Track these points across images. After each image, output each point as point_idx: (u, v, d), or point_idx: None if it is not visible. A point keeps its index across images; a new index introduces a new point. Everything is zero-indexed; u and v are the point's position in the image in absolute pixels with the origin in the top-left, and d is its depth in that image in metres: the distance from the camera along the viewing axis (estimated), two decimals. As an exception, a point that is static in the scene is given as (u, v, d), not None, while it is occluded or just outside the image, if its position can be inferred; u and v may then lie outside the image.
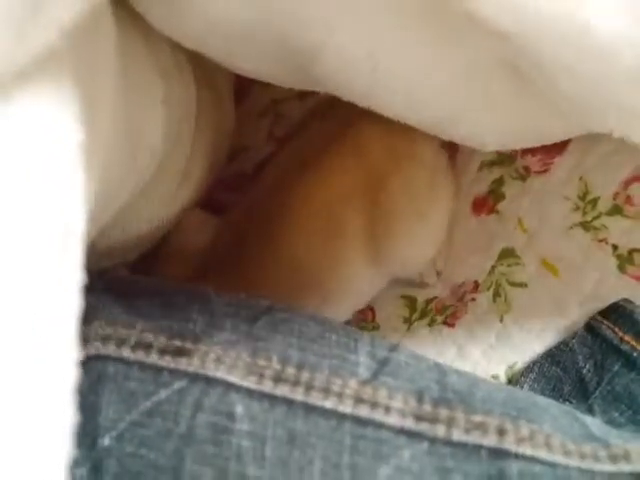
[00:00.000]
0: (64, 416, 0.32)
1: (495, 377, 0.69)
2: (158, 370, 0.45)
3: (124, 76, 0.44)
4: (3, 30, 0.30)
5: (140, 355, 0.45)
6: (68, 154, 0.33)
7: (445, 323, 0.74)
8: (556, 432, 0.45)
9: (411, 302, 0.77)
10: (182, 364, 0.45)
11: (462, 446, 0.43)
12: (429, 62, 0.45)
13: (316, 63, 0.49)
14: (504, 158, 0.78)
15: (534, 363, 0.67)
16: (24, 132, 0.32)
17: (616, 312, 0.65)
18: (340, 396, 0.44)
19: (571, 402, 0.58)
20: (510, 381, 0.68)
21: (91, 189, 0.35)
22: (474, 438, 0.43)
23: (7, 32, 0.30)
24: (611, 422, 0.50)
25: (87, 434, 0.42)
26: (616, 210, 0.70)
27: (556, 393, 0.63)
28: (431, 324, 0.75)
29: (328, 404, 0.44)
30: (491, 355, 0.70)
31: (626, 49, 0.33)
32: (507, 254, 0.74)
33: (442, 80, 0.47)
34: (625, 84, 0.36)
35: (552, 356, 0.66)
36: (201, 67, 0.62)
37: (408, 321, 0.76)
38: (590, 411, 0.51)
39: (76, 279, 0.33)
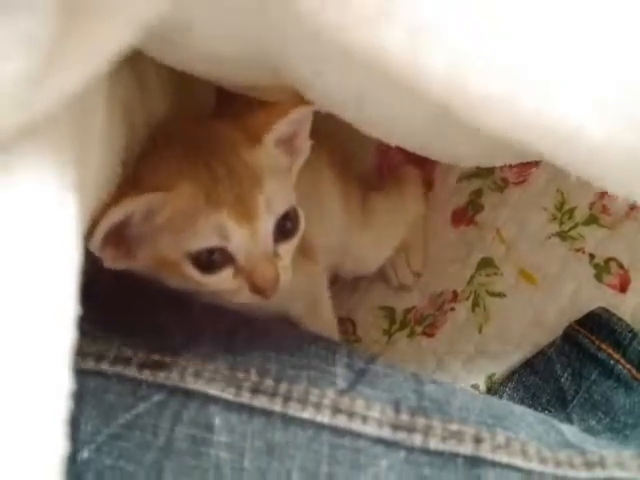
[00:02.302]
0: (55, 447, 0.32)
1: (475, 387, 0.69)
2: (137, 383, 0.45)
3: (110, 110, 0.45)
4: (8, 100, 0.31)
5: (119, 368, 0.45)
6: (64, 216, 0.34)
7: (424, 333, 0.74)
8: (532, 440, 0.45)
9: (390, 313, 0.78)
10: (161, 377, 0.45)
11: (439, 454, 0.43)
12: (413, 101, 0.46)
13: (306, 95, 0.50)
14: (482, 170, 0.79)
15: (513, 373, 0.68)
16: (24, 198, 0.33)
17: (593, 321, 0.65)
18: (318, 406, 0.44)
19: (550, 411, 0.58)
20: (489, 391, 0.69)
21: (82, 229, 0.36)
22: (451, 446, 0.44)
23: (11, 102, 0.31)
24: (589, 430, 0.51)
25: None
26: (592, 220, 0.71)
27: (535, 402, 0.63)
28: (411, 335, 0.75)
29: (306, 414, 0.44)
30: (471, 365, 0.71)
31: (618, 150, 0.34)
32: (486, 264, 0.75)
33: (423, 115, 0.47)
34: (613, 173, 0.36)
35: (530, 365, 0.67)
36: (182, 80, 0.63)
37: (388, 333, 0.77)
38: (568, 419, 0.52)
39: (71, 312, 0.34)
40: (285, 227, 0.54)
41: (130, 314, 0.50)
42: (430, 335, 0.74)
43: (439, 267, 0.78)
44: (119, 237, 0.50)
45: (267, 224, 0.52)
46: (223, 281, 0.52)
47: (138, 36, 0.34)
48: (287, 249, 0.54)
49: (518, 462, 0.44)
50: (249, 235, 0.51)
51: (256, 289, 0.52)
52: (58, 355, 0.33)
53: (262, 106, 0.55)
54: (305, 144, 0.58)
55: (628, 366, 0.61)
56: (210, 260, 0.51)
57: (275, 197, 0.52)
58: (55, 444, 0.32)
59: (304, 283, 0.67)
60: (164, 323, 0.49)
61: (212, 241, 0.50)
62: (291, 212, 0.54)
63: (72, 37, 0.32)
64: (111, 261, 0.50)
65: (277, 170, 0.54)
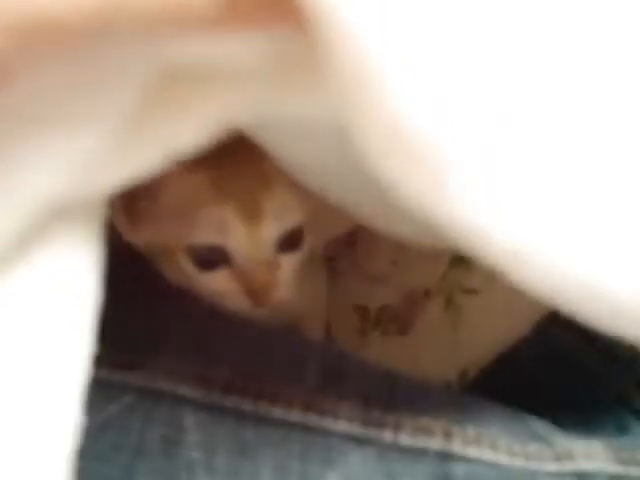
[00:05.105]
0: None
1: (448, 384, 0.70)
2: (107, 385, 0.45)
3: None
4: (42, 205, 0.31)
5: (89, 370, 0.45)
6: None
7: (398, 331, 0.75)
8: (502, 434, 0.46)
9: (363, 312, 0.78)
10: (131, 378, 0.45)
11: (409, 450, 0.44)
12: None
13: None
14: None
15: (485, 369, 0.68)
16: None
17: (563, 315, 0.66)
18: (288, 404, 0.45)
19: (520, 406, 0.59)
20: (462, 387, 0.69)
21: None
22: (421, 442, 0.44)
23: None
24: (558, 424, 0.51)
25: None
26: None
27: (506, 397, 0.64)
28: (385, 333, 0.75)
29: (277, 413, 0.44)
30: (444, 362, 0.71)
31: None
32: (458, 261, 0.75)
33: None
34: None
35: (502, 361, 0.67)
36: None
37: (362, 332, 0.77)
38: (538, 414, 0.52)
39: (87, 349, 0.35)
40: (290, 239, 0.52)
41: (99, 315, 0.50)
42: (403, 333, 0.74)
43: (411, 264, 0.78)
44: (132, 208, 0.49)
45: (272, 230, 0.50)
46: (217, 281, 0.51)
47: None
48: (290, 261, 0.53)
49: (488, 456, 0.44)
50: (250, 236, 0.49)
51: (251, 293, 0.50)
52: (71, 390, 0.34)
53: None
54: None
55: (597, 360, 0.61)
56: (207, 257, 0.50)
57: (285, 208, 0.51)
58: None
59: (311, 288, 0.68)
60: (134, 323, 0.49)
61: (211, 237, 0.49)
62: (297, 228, 0.53)
63: (132, 143, 0.32)
64: (122, 229, 0.50)
65: (293, 185, 0.51)
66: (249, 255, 0.50)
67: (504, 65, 0.24)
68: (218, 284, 0.51)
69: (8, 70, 0.24)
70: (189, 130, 0.33)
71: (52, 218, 0.33)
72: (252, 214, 0.49)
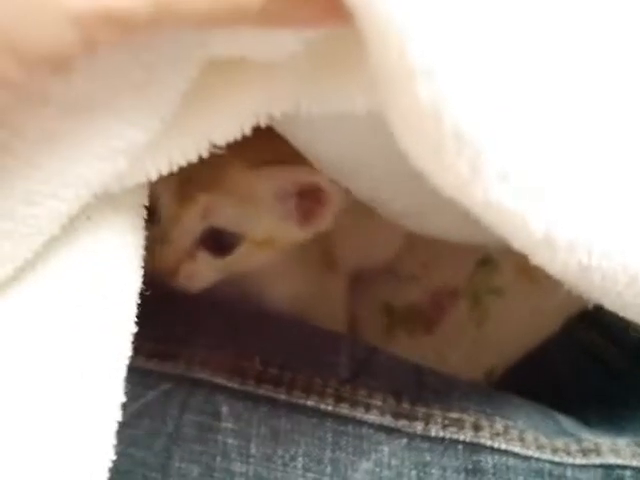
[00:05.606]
0: (104, 457, 0.35)
1: (474, 381, 0.70)
2: (145, 373, 0.46)
3: None
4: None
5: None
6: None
7: (424, 329, 0.75)
8: (530, 428, 0.47)
9: (389, 309, 0.78)
10: (168, 367, 0.46)
11: (440, 441, 0.45)
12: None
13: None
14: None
15: (512, 368, 0.69)
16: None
17: (591, 315, 0.66)
18: (321, 395, 0.46)
19: (546, 404, 0.59)
20: (489, 385, 0.69)
21: None
22: (451, 433, 0.45)
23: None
24: (586, 421, 0.52)
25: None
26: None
27: (533, 394, 0.64)
28: (411, 331, 0.76)
29: (310, 402, 0.45)
30: (470, 360, 0.71)
31: None
32: (485, 261, 0.75)
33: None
34: None
35: (529, 360, 0.68)
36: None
37: (388, 329, 0.77)
38: (565, 412, 0.53)
39: (129, 331, 0.37)
40: (217, 242, 0.52)
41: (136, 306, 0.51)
42: (429, 331, 0.75)
43: (439, 263, 0.78)
44: None
45: (193, 224, 0.51)
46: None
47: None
48: (208, 262, 0.52)
49: (516, 449, 0.45)
50: (177, 216, 0.50)
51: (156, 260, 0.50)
52: (116, 367, 0.36)
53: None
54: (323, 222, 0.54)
55: (624, 359, 0.62)
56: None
57: (220, 212, 0.51)
58: (103, 452, 0.35)
59: (320, 295, 0.68)
60: (170, 314, 0.50)
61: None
62: (231, 237, 0.52)
63: (173, 133, 0.34)
64: None
65: (249, 200, 0.51)
66: (172, 231, 0.50)
67: (536, 45, 0.25)
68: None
69: (71, 60, 0.25)
70: (226, 120, 0.35)
71: (97, 205, 0.35)
72: (185, 198, 0.50)
